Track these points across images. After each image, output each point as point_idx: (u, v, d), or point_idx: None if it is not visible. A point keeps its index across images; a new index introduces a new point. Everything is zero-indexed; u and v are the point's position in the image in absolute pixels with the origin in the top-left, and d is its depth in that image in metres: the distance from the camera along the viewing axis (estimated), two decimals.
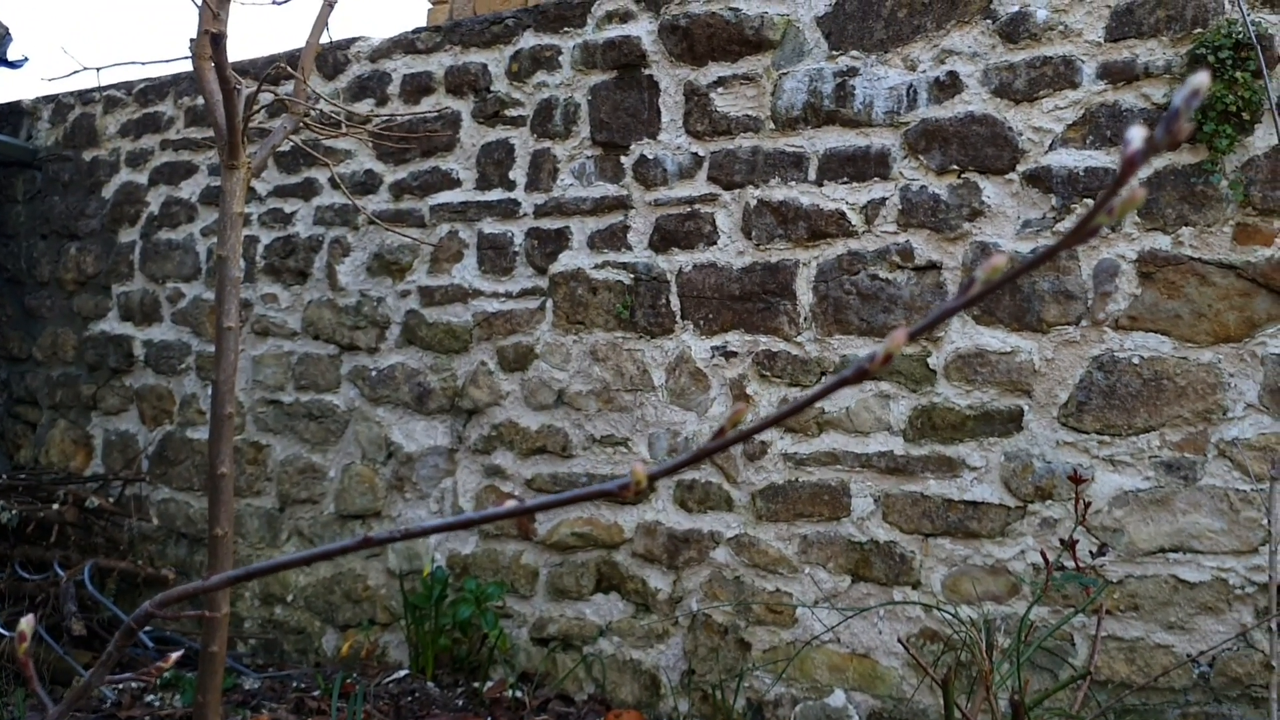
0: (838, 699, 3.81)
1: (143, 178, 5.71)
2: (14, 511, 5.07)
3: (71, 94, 6.08)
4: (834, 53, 3.95)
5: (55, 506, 5.18)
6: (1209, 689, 3.34)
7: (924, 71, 3.80)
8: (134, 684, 4.30)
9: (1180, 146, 3.41)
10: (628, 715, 3.98)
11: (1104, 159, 3.51)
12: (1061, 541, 3.33)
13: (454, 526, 0.64)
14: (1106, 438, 3.50)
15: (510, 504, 0.57)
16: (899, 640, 3.41)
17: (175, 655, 0.83)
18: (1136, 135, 0.43)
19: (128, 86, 5.82)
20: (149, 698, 4.49)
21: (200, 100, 5.37)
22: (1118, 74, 3.50)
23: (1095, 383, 3.50)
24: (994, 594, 3.63)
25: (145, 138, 5.72)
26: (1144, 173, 3.46)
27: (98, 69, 3.13)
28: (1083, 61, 3.55)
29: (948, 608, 3.65)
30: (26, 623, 0.64)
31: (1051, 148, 3.59)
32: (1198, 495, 3.37)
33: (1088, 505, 3.14)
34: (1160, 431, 3.42)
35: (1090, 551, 3.48)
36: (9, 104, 6.30)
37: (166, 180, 5.62)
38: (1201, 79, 0.44)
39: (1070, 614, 2.87)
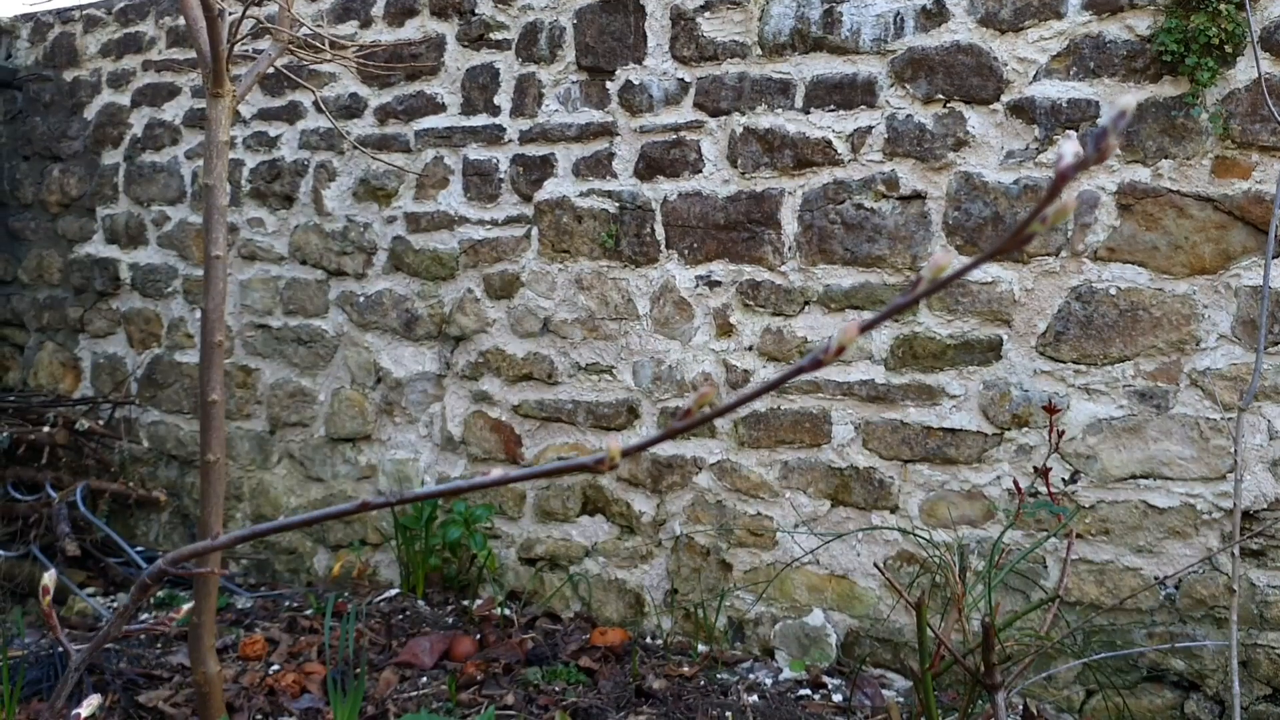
0: (816, 618, 3.93)
1: (125, 99, 5.66)
2: (5, 433, 5.12)
3: (50, 12, 5.99)
4: None
5: (46, 429, 5.23)
6: (1175, 610, 3.46)
7: None
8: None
9: (1161, 79, 3.42)
10: (613, 632, 4.10)
11: (1087, 90, 3.52)
12: (1035, 469, 3.42)
13: (445, 494, 0.69)
14: (1083, 367, 3.56)
15: (496, 473, 0.62)
16: (875, 564, 3.51)
17: (186, 607, 0.88)
18: (1069, 150, 0.47)
19: (107, 5, 5.74)
20: (144, 616, 4.60)
21: (182, 20, 5.30)
22: (1102, 5, 3.49)
23: (1073, 313, 3.56)
24: (970, 518, 3.72)
25: (127, 58, 5.66)
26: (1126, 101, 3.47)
27: None
28: None
29: (924, 531, 3.75)
30: (49, 577, 0.69)
31: (1036, 78, 3.60)
32: (1169, 423, 3.45)
33: (1062, 433, 3.22)
34: (1135, 361, 3.49)
35: (1062, 479, 3.58)
36: None
37: (149, 102, 5.57)
38: (1128, 100, 0.48)
39: (1042, 538, 2.96)
